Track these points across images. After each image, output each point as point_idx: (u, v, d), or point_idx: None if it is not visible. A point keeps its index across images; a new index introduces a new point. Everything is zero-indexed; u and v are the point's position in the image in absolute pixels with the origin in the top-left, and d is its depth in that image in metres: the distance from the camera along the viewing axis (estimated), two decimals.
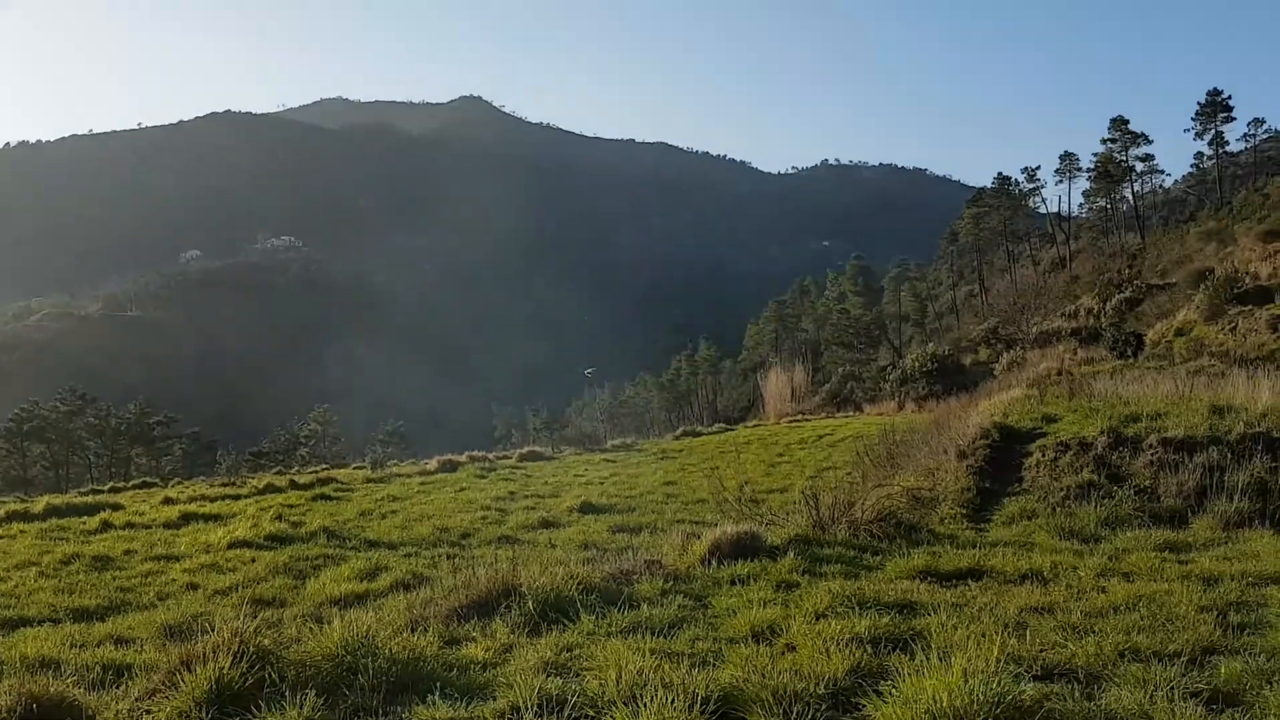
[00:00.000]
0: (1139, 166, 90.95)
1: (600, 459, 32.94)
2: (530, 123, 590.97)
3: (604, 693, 5.40)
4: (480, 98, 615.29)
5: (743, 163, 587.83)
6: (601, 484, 25.13)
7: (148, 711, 5.81)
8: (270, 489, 26.99)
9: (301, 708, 5.39)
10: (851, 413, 52.63)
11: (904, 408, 48.13)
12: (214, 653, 5.91)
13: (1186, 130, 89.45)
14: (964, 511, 13.67)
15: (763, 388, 61.34)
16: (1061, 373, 35.82)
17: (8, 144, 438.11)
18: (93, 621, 11.02)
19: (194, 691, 5.71)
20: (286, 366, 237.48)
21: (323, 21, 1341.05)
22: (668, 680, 5.28)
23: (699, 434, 41.89)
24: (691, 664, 5.94)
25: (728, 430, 44.48)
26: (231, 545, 16.57)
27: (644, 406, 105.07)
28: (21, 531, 19.63)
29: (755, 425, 47.34)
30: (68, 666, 7.96)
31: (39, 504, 23.77)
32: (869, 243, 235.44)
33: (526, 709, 5.20)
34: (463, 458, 32.76)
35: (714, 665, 6.08)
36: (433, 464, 31.57)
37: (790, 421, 45.41)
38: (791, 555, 9.81)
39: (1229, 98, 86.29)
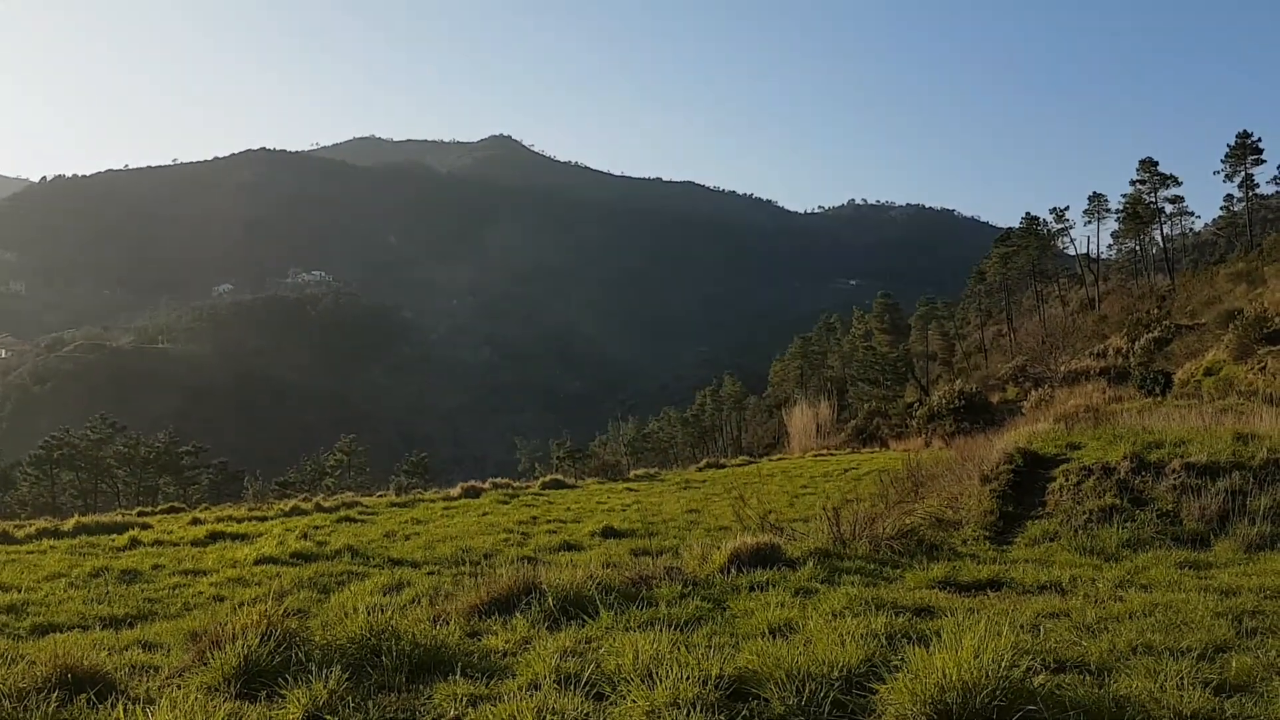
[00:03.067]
0: (1168, 208, 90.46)
1: (623, 487, 32.98)
2: (559, 161, 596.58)
3: (621, 671, 5.53)
4: (510, 137, 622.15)
5: (769, 201, 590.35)
6: (624, 511, 25.13)
7: (178, 687, 5.98)
8: (296, 511, 27.22)
9: (327, 683, 5.53)
10: (877, 448, 52.36)
11: (930, 444, 47.81)
12: (243, 632, 6.08)
13: (1216, 172, 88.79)
14: (986, 533, 13.66)
15: (787, 423, 61.23)
16: (1089, 409, 35.62)
17: (44, 177, 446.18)
18: (121, 629, 11.18)
19: (223, 668, 5.88)
20: (314, 397, 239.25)
21: (356, 62, 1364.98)
22: (684, 661, 5.40)
23: (722, 465, 41.86)
24: (707, 651, 6.05)
25: (752, 462, 44.42)
26: (258, 561, 16.76)
27: (668, 441, 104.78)
28: (52, 547, 19.91)
29: (780, 458, 47.21)
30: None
31: (69, 523, 24.10)
32: (896, 283, 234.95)
33: (546, 682, 5.33)
34: (486, 484, 32.90)
35: (730, 653, 6.18)
36: (456, 490, 31.69)
37: (815, 455, 45.29)
38: (811, 565, 9.88)
39: (1259, 140, 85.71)
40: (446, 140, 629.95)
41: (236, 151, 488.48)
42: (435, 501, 29.32)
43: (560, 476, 37.67)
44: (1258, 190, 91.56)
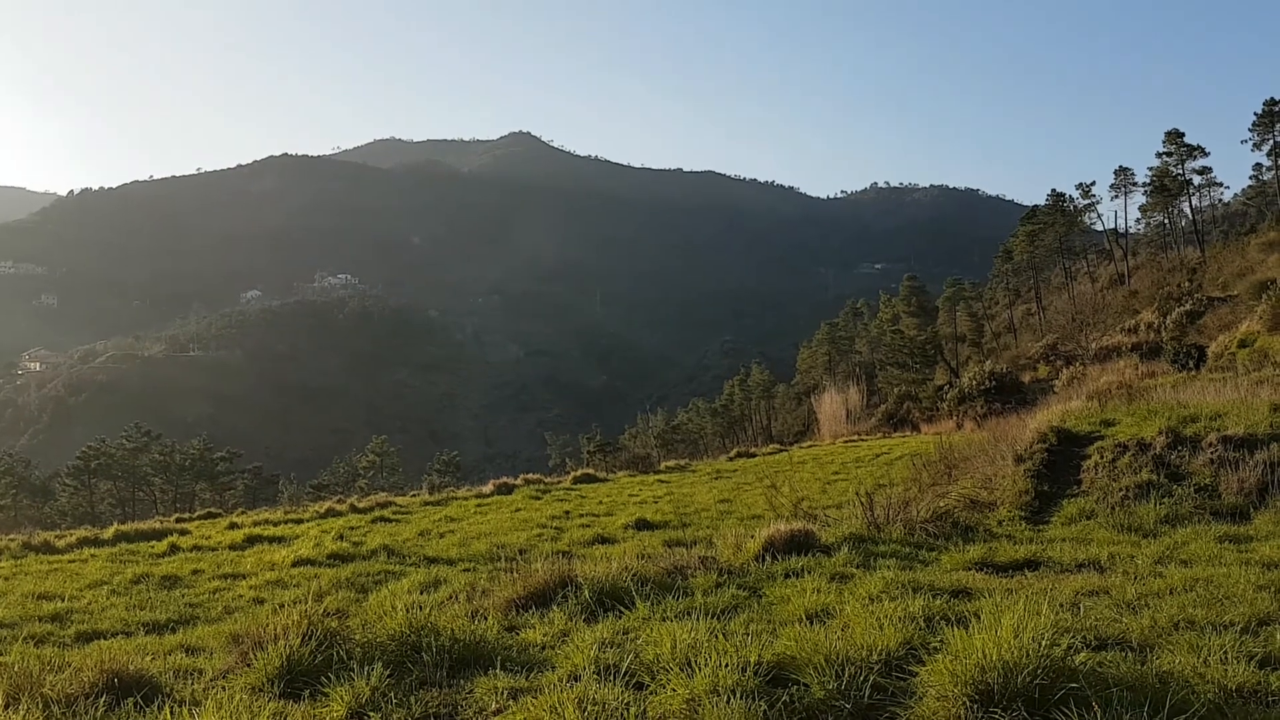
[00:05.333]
0: (1196, 180, 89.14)
1: (654, 480, 33.02)
2: (579, 156, 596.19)
3: (659, 660, 5.56)
4: (529, 133, 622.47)
5: (791, 188, 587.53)
6: (655, 503, 25.18)
7: (222, 688, 6.06)
8: (331, 513, 27.47)
9: (369, 679, 5.60)
10: (908, 433, 52.12)
11: (962, 426, 47.49)
12: (284, 633, 6.16)
13: (1244, 141, 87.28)
14: (1022, 513, 13.57)
15: (817, 410, 61.10)
16: (1122, 385, 35.24)
17: (71, 191, 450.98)
18: (163, 633, 11.31)
19: (266, 669, 5.96)
20: (344, 400, 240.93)
21: (374, 63, 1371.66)
22: (722, 649, 5.42)
23: (753, 455, 41.83)
24: (745, 638, 6.06)
25: (782, 451, 44.33)
26: (295, 564, 16.94)
27: (697, 432, 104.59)
28: (93, 555, 20.19)
29: (810, 446, 47.09)
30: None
31: (109, 531, 24.48)
32: (922, 265, 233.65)
33: (585, 673, 5.37)
34: (518, 481, 33.06)
35: (768, 640, 6.18)
36: (488, 487, 31.89)
37: (846, 442, 45.15)
38: (846, 551, 9.86)
39: None
40: (466, 139, 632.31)
41: (259, 158, 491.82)
42: (468, 499, 29.50)
43: (591, 471, 37.75)
44: None
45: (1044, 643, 4.72)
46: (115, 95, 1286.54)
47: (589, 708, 4.59)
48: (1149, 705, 4.37)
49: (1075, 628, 6.13)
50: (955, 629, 5.52)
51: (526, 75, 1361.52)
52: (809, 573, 9.00)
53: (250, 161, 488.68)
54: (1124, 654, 5.60)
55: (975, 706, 4.49)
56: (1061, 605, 6.96)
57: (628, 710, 4.53)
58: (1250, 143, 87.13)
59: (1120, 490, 13.62)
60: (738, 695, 4.80)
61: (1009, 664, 4.56)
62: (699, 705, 4.75)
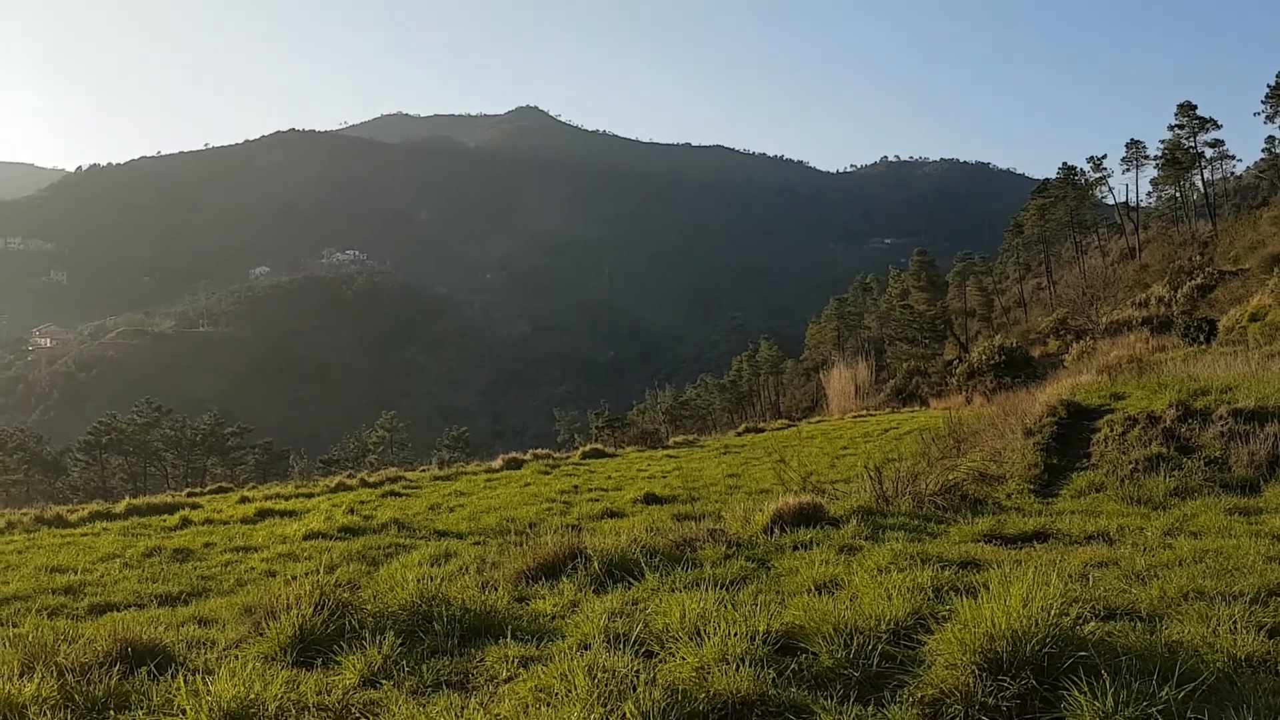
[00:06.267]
0: (1209, 153, 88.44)
1: (663, 455, 33.05)
2: (586, 131, 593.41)
3: (669, 630, 5.60)
4: (537, 108, 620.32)
5: (800, 162, 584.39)
6: (664, 477, 25.21)
7: (235, 657, 6.13)
8: (342, 488, 27.59)
9: (381, 648, 5.67)
10: (917, 408, 51.99)
11: (971, 401, 47.32)
12: (296, 603, 6.22)
13: (1256, 114, 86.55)
14: (1031, 486, 13.56)
15: (825, 385, 61.07)
16: (1133, 359, 35.12)
17: (80, 167, 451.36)
18: (176, 605, 11.39)
19: (279, 637, 6.03)
20: (353, 376, 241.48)
21: (381, 39, 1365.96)
22: (731, 619, 5.45)
23: (761, 430, 41.82)
24: (754, 608, 6.09)
25: (791, 426, 44.32)
26: (307, 537, 17.04)
27: (706, 407, 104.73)
28: (105, 529, 20.34)
29: (819, 421, 47.06)
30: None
31: (120, 505, 24.60)
32: (932, 239, 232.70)
33: (595, 642, 5.42)
34: (527, 456, 33.12)
35: (776, 610, 6.21)
36: (498, 462, 31.94)
37: (855, 417, 45.09)
38: (854, 523, 9.86)
39: None
40: (474, 114, 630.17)
41: (267, 134, 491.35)
42: (478, 474, 29.58)
43: (600, 446, 37.81)
44: None
45: (1053, 612, 4.74)
46: (124, 73, 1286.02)
47: (599, 675, 4.64)
48: (1158, 674, 4.39)
49: (1084, 598, 6.13)
50: (964, 599, 5.53)
51: (534, 50, 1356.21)
52: (817, 545, 9.02)
53: (258, 137, 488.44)
54: (1133, 624, 5.62)
55: (984, 675, 4.51)
56: (1070, 576, 6.96)
57: (637, 677, 4.58)
58: (1263, 115, 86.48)
59: (1130, 463, 13.60)
60: (747, 663, 4.84)
61: (1018, 633, 4.58)
62: (708, 672, 4.79)
